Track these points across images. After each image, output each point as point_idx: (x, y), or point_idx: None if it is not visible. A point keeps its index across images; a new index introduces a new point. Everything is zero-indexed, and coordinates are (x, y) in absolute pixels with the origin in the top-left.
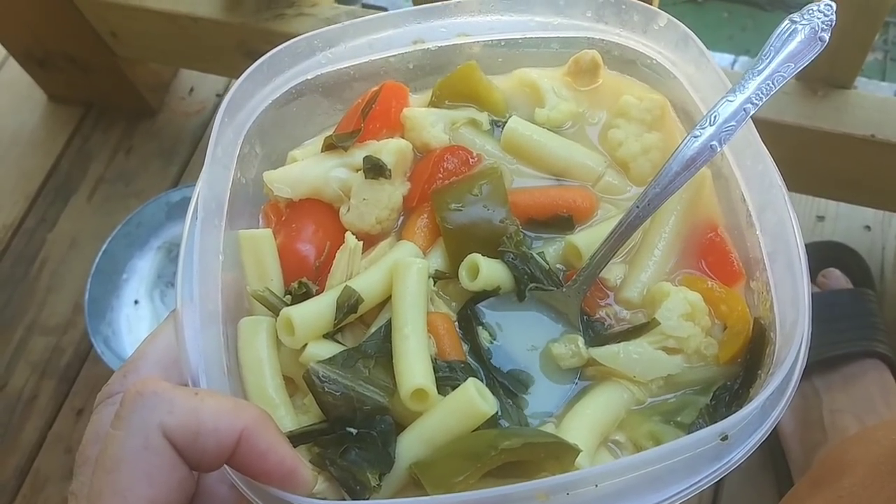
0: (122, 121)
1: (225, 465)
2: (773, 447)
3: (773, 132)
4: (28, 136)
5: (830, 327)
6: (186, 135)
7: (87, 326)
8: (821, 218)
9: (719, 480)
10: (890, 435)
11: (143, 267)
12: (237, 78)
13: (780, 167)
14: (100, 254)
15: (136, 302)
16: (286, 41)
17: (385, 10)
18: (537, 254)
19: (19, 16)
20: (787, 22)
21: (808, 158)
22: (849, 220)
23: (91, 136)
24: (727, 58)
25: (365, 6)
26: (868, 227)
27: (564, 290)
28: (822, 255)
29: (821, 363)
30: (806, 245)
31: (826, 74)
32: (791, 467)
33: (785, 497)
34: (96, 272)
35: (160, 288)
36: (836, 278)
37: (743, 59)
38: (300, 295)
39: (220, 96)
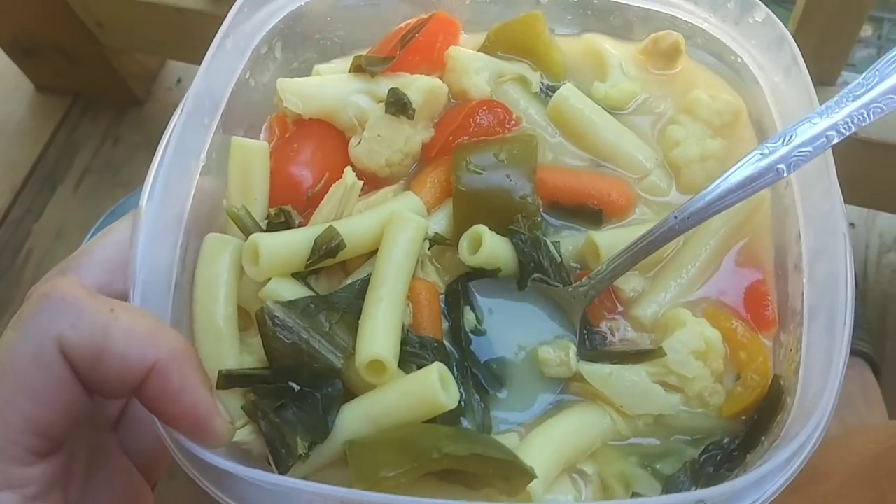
0: (110, 111)
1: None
2: None
3: None
4: (15, 126)
5: None
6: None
7: None
8: None
9: None
10: (868, 444)
11: None
12: None
13: None
14: (84, 244)
15: None
16: None
17: None
18: (552, 242)
19: (6, 5)
20: None
21: None
22: None
23: (78, 126)
24: None
25: None
26: (852, 225)
27: (571, 289)
28: None
29: None
30: None
31: (808, 72)
32: None
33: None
34: None
35: None
36: None
37: None
38: (278, 223)
39: None
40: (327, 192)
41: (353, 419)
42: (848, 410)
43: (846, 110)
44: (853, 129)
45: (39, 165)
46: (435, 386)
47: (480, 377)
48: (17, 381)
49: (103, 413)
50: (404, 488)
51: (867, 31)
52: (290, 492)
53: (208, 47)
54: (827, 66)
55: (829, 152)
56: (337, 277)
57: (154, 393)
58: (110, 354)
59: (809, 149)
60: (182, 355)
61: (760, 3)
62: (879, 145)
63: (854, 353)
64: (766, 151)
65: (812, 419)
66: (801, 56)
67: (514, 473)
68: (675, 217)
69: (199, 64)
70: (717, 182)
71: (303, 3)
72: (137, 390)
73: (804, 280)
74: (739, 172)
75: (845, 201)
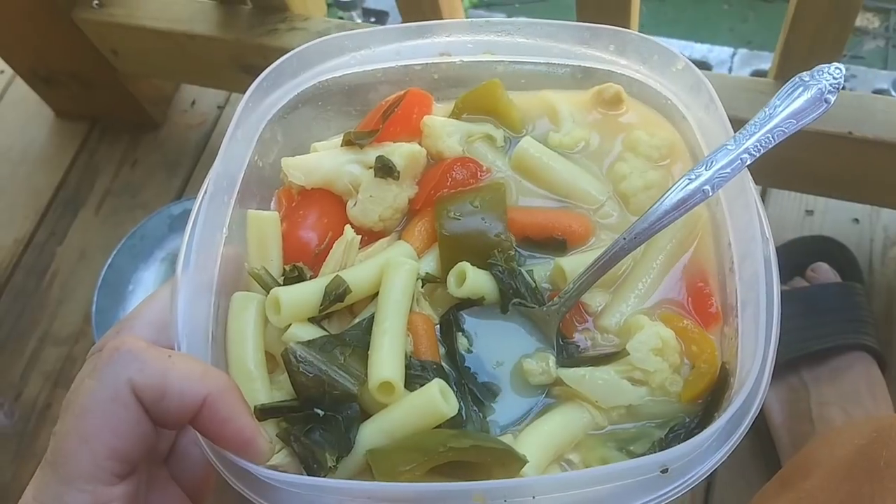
0: (127, 134)
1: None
2: (762, 438)
3: None
4: (37, 152)
5: (818, 321)
6: (189, 146)
7: (95, 338)
8: (809, 212)
9: (710, 474)
10: (853, 438)
11: (148, 278)
12: (235, 91)
13: (763, 166)
14: (105, 266)
15: None
16: (280, 55)
17: (385, 14)
18: (526, 271)
19: (23, 36)
20: (795, 79)
21: (790, 157)
22: (837, 214)
23: (97, 150)
24: (727, 50)
25: (366, 11)
26: (856, 220)
27: (545, 308)
28: (811, 249)
29: (809, 356)
30: (795, 240)
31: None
32: (780, 458)
33: (756, 495)
34: (103, 284)
35: None
36: (825, 272)
37: (743, 50)
38: (293, 277)
39: (222, 108)
40: (332, 248)
41: (371, 434)
42: (854, 403)
43: (755, 137)
44: (762, 150)
45: (61, 190)
46: (436, 397)
47: (476, 391)
48: (100, 419)
49: (156, 449)
50: (418, 480)
51: (874, 22)
52: (323, 490)
53: (220, 71)
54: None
55: (746, 171)
56: (346, 319)
57: (207, 421)
58: (171, 392)
59: (728, 170)
60: (228, 389)
61: (679, 54)
62: (882, 144)
63: (860, 347)
64: (693, 177)
65: (744, 388)
66: (715, 94)
67: (510, 460)
68: (624, 238)
69: (213, 87)
70: (654, 206)
71: (297, 93)
72: (193, 420)
73: (736, 279)
74: (672, 196)
75: (850, 199)
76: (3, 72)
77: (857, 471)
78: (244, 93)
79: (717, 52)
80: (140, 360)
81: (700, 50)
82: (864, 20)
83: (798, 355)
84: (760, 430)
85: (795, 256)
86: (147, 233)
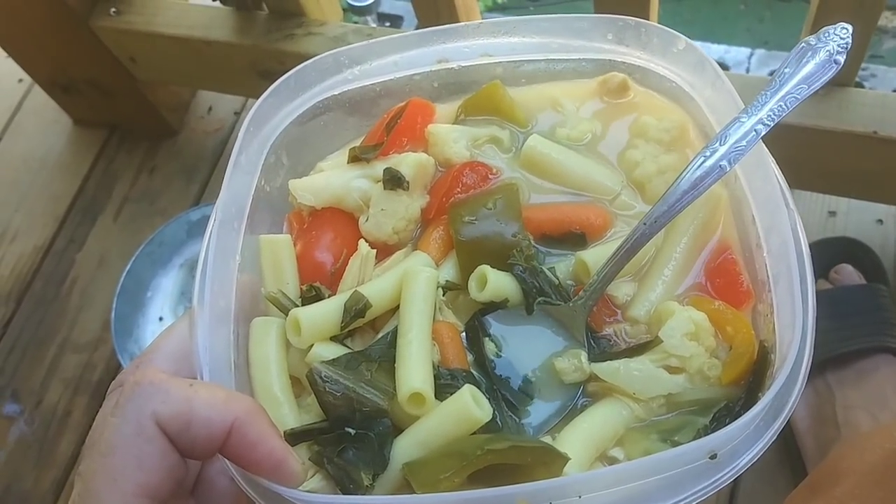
0: (145, 141)
1: (221, 457)
2: (788, 444)
3: (775, 132)
4: (55, 159)
5: (843, 323)
6: (207, 152)
7: (114, 344)
8: (832, 213)
9: (736, 479)
10: (883, 443)
11: (167, 285)
12: (252, 96)
13: (785, 166)
14: (124, 273)
15: (160, 319)
16: (297, 60)
17: (400, 18)
18: (548, 269)
19: (42, 45)
20: (802, 44)
21: (813, 157)
22: (860, 215)
23: (115, 157)
24: (744, 51)
25: (381, 16)
26: (880, 222)
27: (571, 304)
28: (834, 250)
29: (834, 359)
30: (818, 241)
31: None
32: (806, 463)
33: (785, 500)
34: (122, 291)
35: (184, 304)
36: (849, 274)
37: (760, 51)
38: (310, 297)
39: (238, 114)
40: (347, 266)
41: (406, 448)
42: (880, 407)
43: (767, 106)
44: (776, 119)
45: (80, 197)
46: (469, 403)
47: (509, 396)
48: (126, 455)
49: (183, 481)
50: (458, 488)
51: (893, 21)
52: None
53: (237, 76)
54: (845, 68)
55: (762, 144)
56: (368, 335)
57: (236, 447)
58: (196, 421)
59: (744, 143)
60: (255, 412)
61: (678, 34)
62: None
63: (885, 349)
64: (708, 153)
65: (787, 361)
66: (720, 69)
67: (551, 459)
68: (645, 224)
69: (230, 93)
70: (672, 187)
71: (297, 115)
72: (222, 448)
73: (764, 254)
74: (689, 175)
75: (874, 200)
76: (21, 80)
77: (888, 476)
78: None
79: (734, 53)
80: (162, 392)
81: (717, 51)
82: (884, 19)
83: (822, 359)
84: (786, 435)
85: (818, 258)
86: (165, 239)
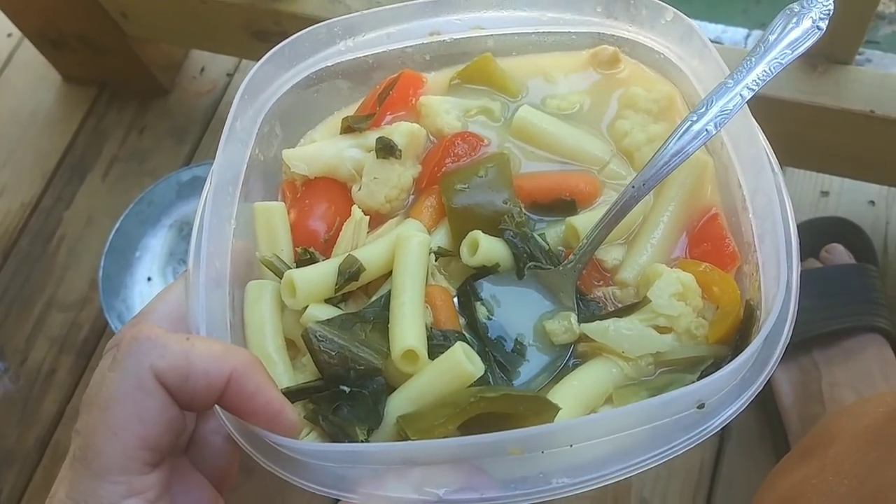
0: (136, 100)
1: (218, 411)
2: (772, 420)
3: (772, 108)
4: (44, 116)
5: (832, 302)
6: (198, 114)
7: (101, 303)
8: (825, 193)
9: (718, 453)
10: (878, 407)
11: (156, 245)
12: (246, 58)
13: (780, 143)
14: (113, 232)
15: (148, 279)
16: (293, 20)
17: None
18: (538, 235)
19: None
20: (786, 10)
21: (809, 134)
22: (853, 195)
23: (105, 115)
24: (741, 31)
25: None
26: (872, 203)
27: (561, 268)
28: (826, 230)
29: (821, 337)
30: (809, 220)
31: (825, 50)
32: (790, 440)
33: (776, 466)
34: (110, 250)
35: (172, 265)
36: (839, 254)
37: (757, 32)
38: (305, 261)
39: (231, 76)
40: (340, 232)
41: (399, 404)
42: (866, 385)
43: (753, 72)
44: (761, 84)
45: (68, 155)
46: (461, 359)
47: (500, 358)
48: (126, 409)
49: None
50: (451, 435)
51: (890, 7)
52: (356, 457)
53: (231, 36)
54: (842, 45)
55: (747, 109)
56: (361, 301)
57: (234, 397)
58: (195, 373)
59: (730, 107)
60: (251, 364)
61: (666, 5)
62: (894, 122)
63: (873, 329)
64: (695, 118)
65: (772, 313)
66: (707, 40)
67: (543, 408)
68: (633, 187)
69: (223, 53)
70: (660, 151)
71: (292, 85)
72: (220, 399)
73: (750, 216)
74: (677, 139)
75: (867, 180)
76: (10, 35)
77: (885, 435)
78: (255, 60)
79: (731, 33)
80: (160, 346)
81: (714, 31)
82: (881, 5)
83: (810, 336)
84: (770, 410)
85: (810, 237)
86: (155, 199)
